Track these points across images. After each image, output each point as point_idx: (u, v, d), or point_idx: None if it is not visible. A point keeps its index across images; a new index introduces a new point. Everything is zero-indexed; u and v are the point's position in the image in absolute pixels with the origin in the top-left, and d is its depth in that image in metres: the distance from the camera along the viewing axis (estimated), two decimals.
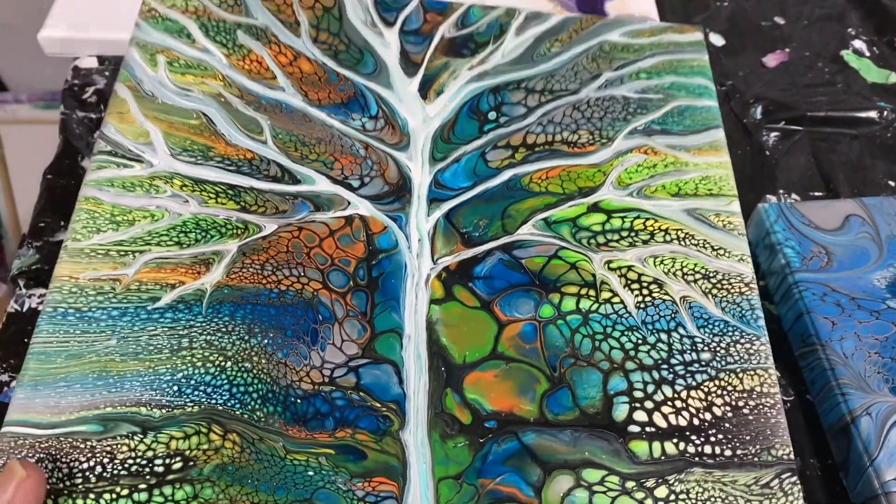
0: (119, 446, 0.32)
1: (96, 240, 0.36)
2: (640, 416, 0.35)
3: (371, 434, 0.34)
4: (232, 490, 0.31)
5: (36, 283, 0.43)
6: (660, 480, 0.34)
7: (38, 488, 0.29)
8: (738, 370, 0.37)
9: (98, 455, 0.31)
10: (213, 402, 0.33)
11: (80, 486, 0.31)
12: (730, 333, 0.38)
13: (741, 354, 0.37)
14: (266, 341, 0.35)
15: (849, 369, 0.41)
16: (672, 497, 0.33)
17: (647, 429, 0.35)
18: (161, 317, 0.35)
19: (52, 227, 0.45)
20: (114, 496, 0.31)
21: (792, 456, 0.35)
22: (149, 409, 0.33)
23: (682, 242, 0.40)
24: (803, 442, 0.41)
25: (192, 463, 0.32)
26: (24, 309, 0.42)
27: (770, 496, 0.34)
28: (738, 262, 0.40)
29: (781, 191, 0.52)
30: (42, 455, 0.31)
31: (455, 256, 0.39)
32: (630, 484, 0.33)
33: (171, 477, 0.31)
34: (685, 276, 0.39)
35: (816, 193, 0.52)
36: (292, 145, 0.41)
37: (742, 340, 0.38)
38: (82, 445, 0.32)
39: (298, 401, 0.34)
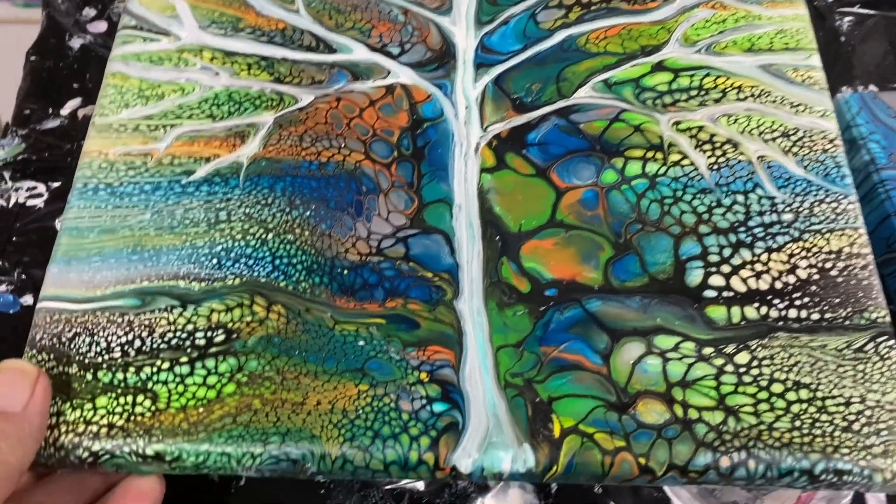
0: (158, 320, 0.30)
1: (125, 115, 0.34)
2: (716, 280, 0.32)
3: (423, 304, 0.31)
4: (278, 361, 0.29)
5: (23, 176, 0.39)
6: (740, 346, 0.31)
7: (49, 388, 0.28)
8: (825, 230, 0.33)
9: (136, 329, 0.30)
10: (256, 274, 0.31)
11: (119, 360, 0.29)
12: (814, 192, 0.34)
13: (827, 214, 0.34)
14: (308, 213, 0.33)
15: None
16: (755, 363, 0.30)
17: (725, 293, 0.32)
18: (196, 190, 0.33)
19: (39, 114, 0.41)
20: (154, 369, 0.29)
21: (888, 319, 0.31)
22: (187, 282, 0.31)
23: (758, 100, 0.36)
24: None
25: (235, 335, 0.30)
26: (10, 204, 0.38)
27: (864, 360, 0.30)
28: (821, 118, 0.36)
29: (857, 82, 0.47)
30: (79, 330, 0.30)
31: (506, 123, 0.36)
32: (707, 350, 0.31)
33: (213, 350, 0.30)
34: (762, 135, 0.36)
35: (895, 86, 0.47)
36: (326, 13, 0.38)
37: (828, 199, 0.34)
38: (120, 320, 0.30)
39: (345, 271, 0.32)
